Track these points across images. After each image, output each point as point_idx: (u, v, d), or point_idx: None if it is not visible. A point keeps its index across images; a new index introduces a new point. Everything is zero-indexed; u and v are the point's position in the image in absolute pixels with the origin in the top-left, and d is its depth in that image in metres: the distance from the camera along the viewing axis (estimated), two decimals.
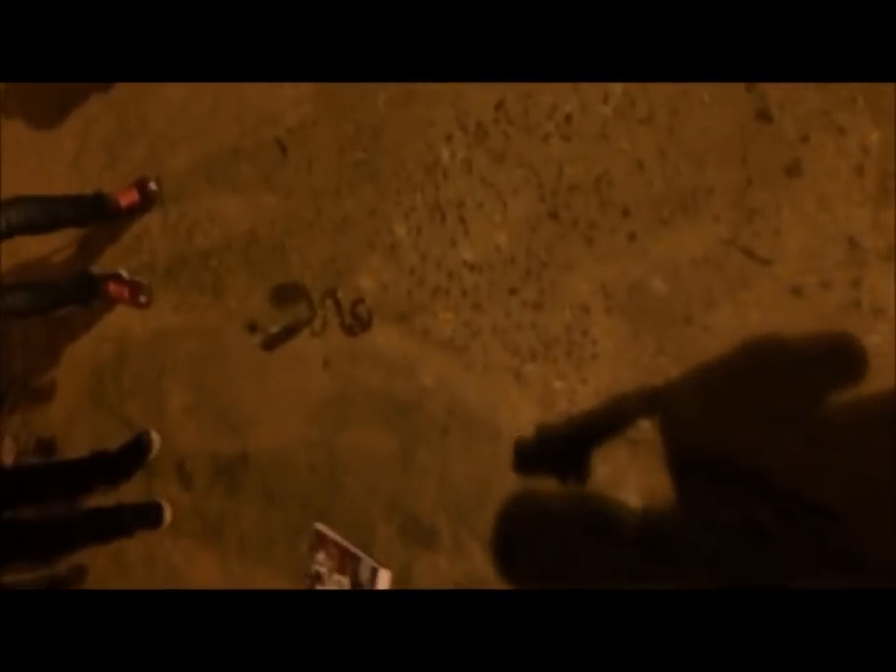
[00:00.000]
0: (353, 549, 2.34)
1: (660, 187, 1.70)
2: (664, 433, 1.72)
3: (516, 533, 2.02)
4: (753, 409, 1.61)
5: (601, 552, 1.85)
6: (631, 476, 1.80)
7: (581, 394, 1.87)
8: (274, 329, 2.49)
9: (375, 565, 2.28)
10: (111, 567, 3.42)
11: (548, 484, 1.94)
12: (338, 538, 2.38)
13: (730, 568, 1.65)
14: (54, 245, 3.35)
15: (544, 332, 1.93)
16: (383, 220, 2.28)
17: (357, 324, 2.37)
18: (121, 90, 3.21)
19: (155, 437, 3.11)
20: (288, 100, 2.51)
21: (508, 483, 2.01)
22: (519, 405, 1.99)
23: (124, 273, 3.18)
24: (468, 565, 2.10)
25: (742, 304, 1.60)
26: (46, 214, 2.77)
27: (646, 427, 1.76)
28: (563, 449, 1.89)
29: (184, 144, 2.95)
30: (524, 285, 1.96)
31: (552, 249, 1.90)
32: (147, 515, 3.08)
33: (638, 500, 1.80)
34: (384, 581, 2.27)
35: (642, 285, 1.74)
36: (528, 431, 1.97)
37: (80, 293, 3.15)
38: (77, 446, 3.52)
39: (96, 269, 3.26)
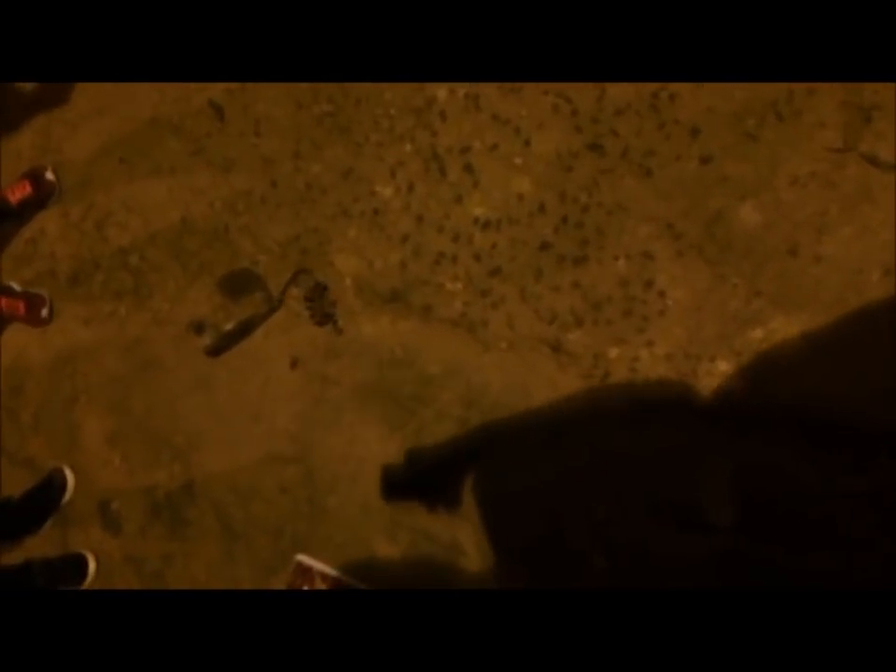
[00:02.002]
0: (347, 579, 1.87)
1: (739, 95, 1.35)
2: (761, 394, 1.36)
3: (565, 536, 1.61)
4: (885, 358, 1.27)
5: (681, 542, 1.46)
6: (714, 450, 1.42)
7: (645, 360, 1.50)
8: (229, 326, 1.99)
9: None
10: None
11: (599, 478, 1.54)
12: (326, 568, 1.90)
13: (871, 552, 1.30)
14: None
15: (591, 291, 1.55)
16: (361, 182, 1.84)
17: (332, 311, 1.91)
18: None
19: (69, 474, 2.52)
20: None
21: (551, 474, 1.60)
22: (560, 383, 1.60)
23: (16, 286, 2.58)
24: (502, 579, 1.67)
25: (866, 224, 1.26)
26: None
27: (733, 388, 1.39)
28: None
29: (85, 124, 2.41)
30: (558, 237, 1.58)
31: (595, 189, 1.52)
32: (66, 570, 2.48)
33: (724, 480, 1.43)
34: None
35: (725, 217, 1.39)
36: (570, 409, 1.56)
37: None
38: None
39: None
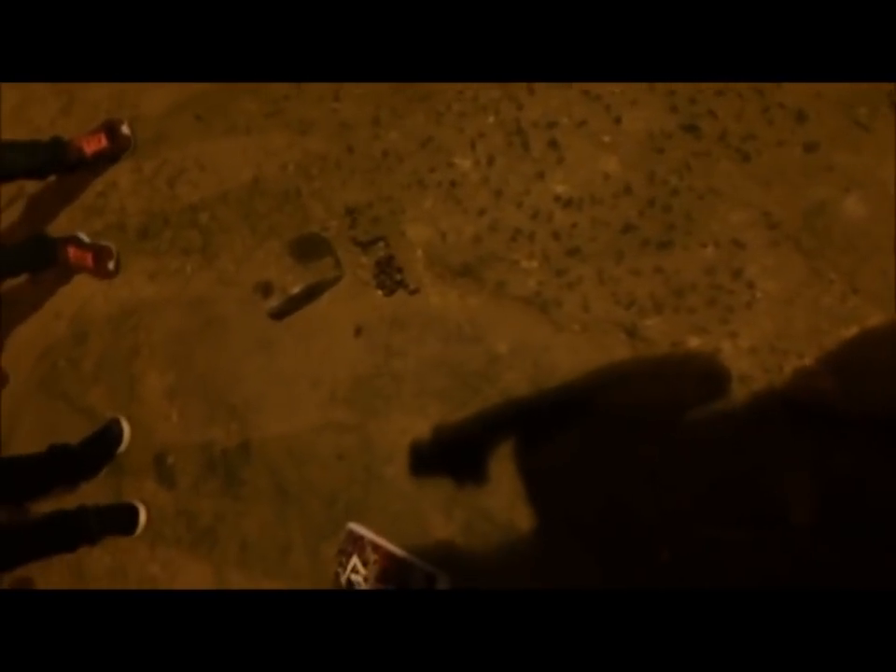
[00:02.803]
0: (400, 552, 1.83)
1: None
2: (850, 395, 1.29)
3: (631, 526, 1.56)
4: None
5: (755, 539, 1.40)
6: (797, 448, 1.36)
7: (728, 352, 1.43)
8: (296, 290, 1.96)
9: (432, 570, 1.78)
10: (68, 582, 2.80)
11: (672, 469, 1.48)
12: (379, 539, 1.87)
13: None
14: (2, 204, 2.72)
15: (674, 278, 1.48)
16: (440, 152, 1.79)
17: (401, 280, 1.87)
18: None
19: (126, 426, 2.53)
20: None
21: (615, 462, 1.55)
22: (632, 370, 1.54)
23: (84, 237, 2.58)
24: (562, 564, 1.63)
25: None
26: None
27: (821, 387, 1.32)
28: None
29: None
30: (644, 220, 1.51)
31: (686, 172, 1.45)
32: (117, 519, 2.49)
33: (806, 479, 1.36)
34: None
35: (827, 208, 1.31)
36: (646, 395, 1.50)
37: (33, 260, 2.55)
38: (23, 446, 2.88)
39: (51, 232, 2.64)
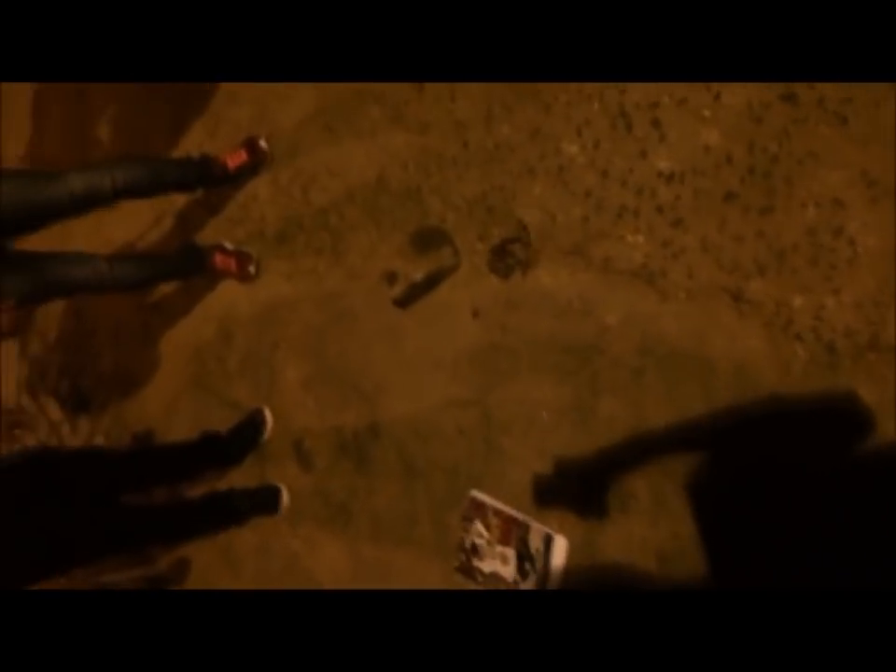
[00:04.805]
0: (520, 516, 1.95)
1: None
2: None
3: (738, 489, 1.61)
4: None
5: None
6: None
7: (831, 308, 1.47)
8: (417, 277, 2.12)
9: (549, 531, 1.88)
10: (218, 562, 3.05)
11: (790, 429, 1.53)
12: (499, 504, 1.99)
13: None
14: (156, 217, 3.03)
15: (776, 240, 1.54)
16: (548, 141, 1.91)
17: (515, 264, 1.99)
18: None
19: (268, 415, 2.75)
20: None
21: (725, 425, 1.61)
22: (739, 332, 1.60)
23: (228, 245, 2.84)
24: (673, 527, 1.69)
25: None
26: (151, 176, 2.44)
27: None
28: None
29: (296, 94, 2.61)
30: (745, 188, 1.58)
31: (785, 139, 1.51)
32: (263, 500, 2.71)
33: None
34: (560, 549, 1.88)
35: None
36: (748, 363, 1.56)
37: (185, 266, 2.82)
38: (178, 437, 3.16)
39: (199, 241, 2.92)
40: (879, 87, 1.38)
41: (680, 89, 1.65)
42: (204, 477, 2.83)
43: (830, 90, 1.44)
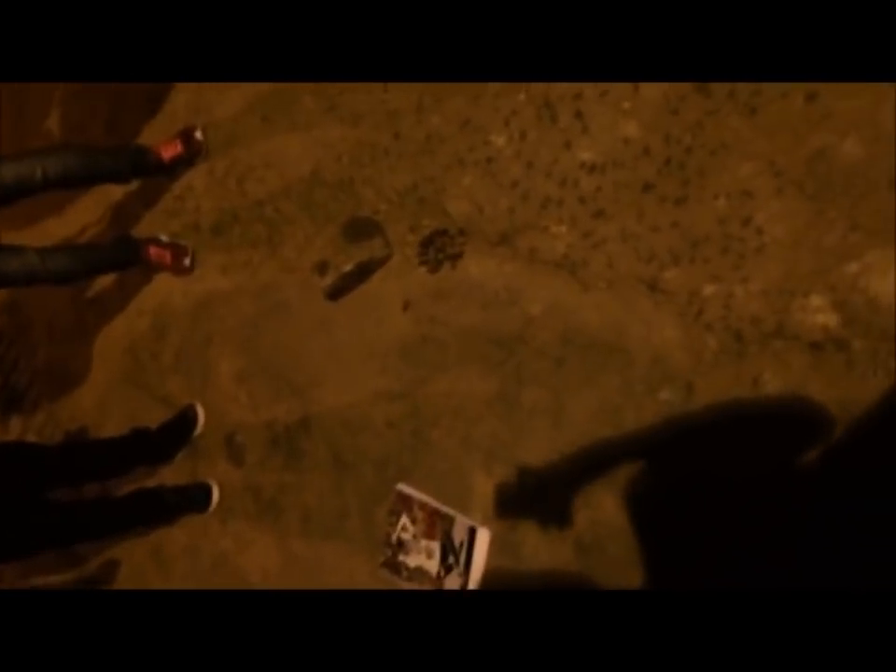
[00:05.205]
0: (444, 508, 1.96)
1: None
2: (856, 327, 1.36)
3: (660, 474, 1.65)
4: None
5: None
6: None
7: (739, 297, 1.52)
8: (348, 267, 2.13)
9: (472, 524, 1.90)
10: (148, 562, 3.01)
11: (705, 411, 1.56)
12: (425, 497, 2.00)
13: None
14: (90, 208, 2.99)
15: (689, 230, 1.58)
16: (477, 132, 1.94)
17: (444, 256, 2.01)
18: None
19: (200, 411, 2.73)
20: None
21: (645, 414, 1.64)
22: (655, 321, 1.64)
23: (163, 237, 2.82)
24: (593, 514, 1.72)
25: None
26: (84, 166, 2.42)
27: (827, 322, 1.39)
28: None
29: (233, 86, 2.61)
30: (661, 178, 1.62)
31: (700, 130, 1.56)
32: (193, 497, 2.68)
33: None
34: (483, 541, 1.89)
35: (827, 152, 1.40)
36: (666, 352, 1.60)
37: (119, 258, 2.79)
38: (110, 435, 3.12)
39: (134, 234, 2.90)
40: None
41: None
42: (135, 474, 2.79)
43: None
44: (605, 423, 1.71)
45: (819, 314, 1.40)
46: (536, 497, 1.83)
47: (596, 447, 1.71)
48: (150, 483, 2.77)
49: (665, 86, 1.58)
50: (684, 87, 1.56)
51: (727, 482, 1.51)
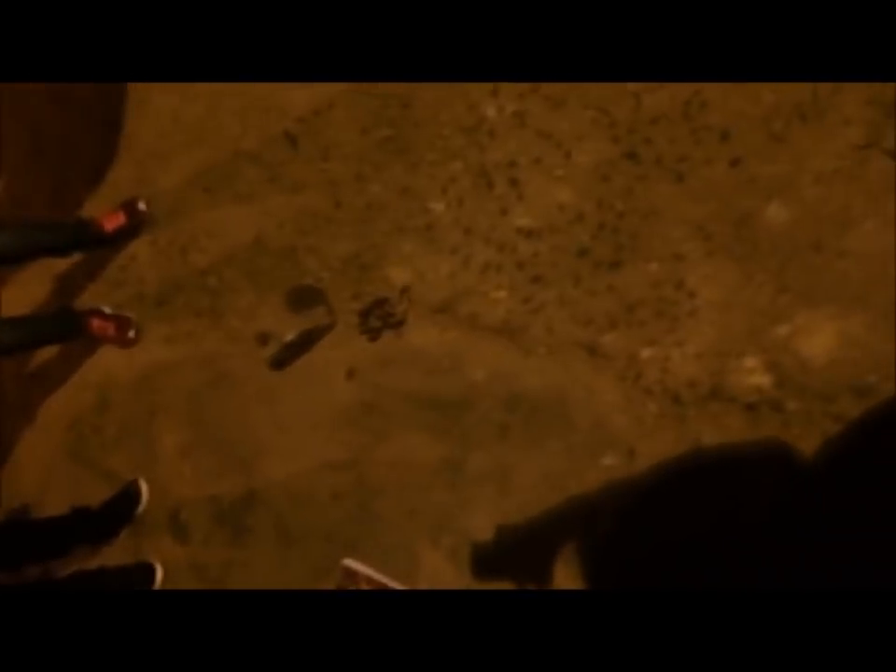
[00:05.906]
0: (391, 583, 1.92)
1: (768, 98, 1.40)
2: (789, 387, 1.38)
3: (611, 541, 1.63)
4: None
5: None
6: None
7: (676, 360, 1.53)
8: (290, 337, 2.12)
9: None
10: None
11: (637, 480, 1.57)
12: (371, 572, 1.96)
13: None
14: (29, 280, 2.96)
15: (625, 294, 1.60)
16: (416, 199, 1.96)
17: (386, 325, 2.01)
18: (107, 110, 2.89)
19: (144, 487, 2.66)
20: (299, 86, 2.21)
21: (588, 480, 1.63)
22: (595, 386, 1.65)
23: (107, 309, 2.79)
24: (542, 584, 1.69)
25: (889, 217, 1.29)
26: (22, 242, 2.40)
27: (762, 383, 1.41)
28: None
29: (176, 156, 2.62)
30: (596, 243, 1.65)
31: (630, 196, 1.59)
32: (134, 578, 2.60)
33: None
34: None
35: (753, 216, 1.43)
36: (608, 415, 1.60)
37: (62, 330, 2.75)
38: (51, 513, 3.03)
39: (77, 306, 2.86)
40: (710, 146, 1.47)
41: (535, 148, 1.72)
42: (77, 554, 2.70)
43: (666, 147, 1.52)
44: (550, 489, 1.69)
45: (753, 375, 1.41)
46: (482, 567, 1.79)
47: (542, 514, 1.69)
48: (93, 563, 2.67)
49: (595, 152, 1.62)
50: (613, 152, 1.60)
51: (675, 545, 1.50)
